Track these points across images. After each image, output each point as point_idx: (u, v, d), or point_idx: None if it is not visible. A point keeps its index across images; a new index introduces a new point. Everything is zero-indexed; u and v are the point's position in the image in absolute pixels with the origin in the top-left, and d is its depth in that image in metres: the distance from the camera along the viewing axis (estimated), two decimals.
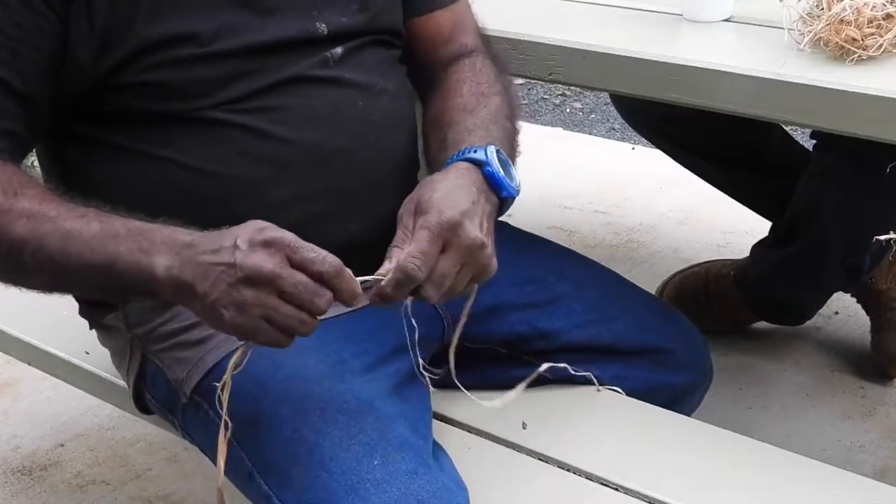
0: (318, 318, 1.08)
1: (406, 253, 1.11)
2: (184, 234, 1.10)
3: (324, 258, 1.06)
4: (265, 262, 1.05)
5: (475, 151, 1.22)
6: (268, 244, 1.06)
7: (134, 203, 1.26)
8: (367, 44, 1.34)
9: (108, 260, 1.11)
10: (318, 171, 1.27)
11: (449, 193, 1.17)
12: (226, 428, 1.13)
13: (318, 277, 1.06)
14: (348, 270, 1.08)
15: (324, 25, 1.29)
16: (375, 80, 1.34)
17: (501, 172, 1.21)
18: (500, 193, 1.22)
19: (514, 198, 1.24)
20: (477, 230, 1.15)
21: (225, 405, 1.12)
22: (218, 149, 1.25)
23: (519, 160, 1.39)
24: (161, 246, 1.09)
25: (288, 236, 1.07)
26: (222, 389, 1.13)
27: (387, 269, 1.11)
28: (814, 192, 1.96)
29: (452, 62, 1.41)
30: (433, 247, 1.12)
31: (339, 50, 1.30)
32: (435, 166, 1.28)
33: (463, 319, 1.22)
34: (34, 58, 1.19)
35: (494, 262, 1.17)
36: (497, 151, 1.23)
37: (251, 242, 1.06)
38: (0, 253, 1.14)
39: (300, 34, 1.28)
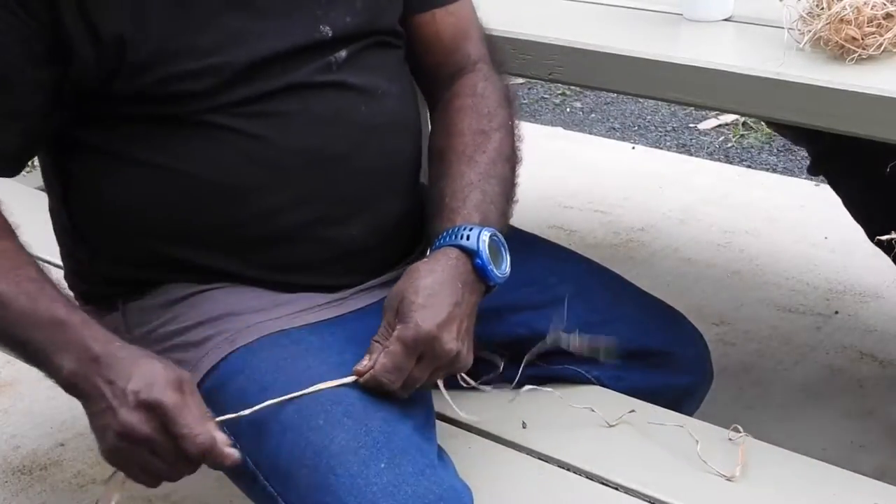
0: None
1: (381, 365, 1.17)
2: (96, 343, 1.14)
3: (193, 438, 1.11)
4: (141, 425, 1.10)
5: (467, 238, 1.22)
6: (149, 407, 1.11)
7: (130, 209, 1.26)
8: (371, 45, 1.33)
9: (25, 339, 1.16)
10: (316, 175, 1.26)
11: (431, 296, 1.18)
12: None
13: (186, 454, 1.12)
14: (220, 441, 1.12)
15: (328, 28, 1.27)
16: (378, 83, 1.32)
17: (491, 265, 1.22)
18: (486, 282, 1.24)
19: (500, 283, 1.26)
20: (453, 341, 1.18)
21: None
22: (216, 153, 1.24)
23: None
24: (71, 348, 1.14)
25: (168, 402, 1.11)
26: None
27: (364, 368, 1.18)
28: None
29: (455, 78, 1.39)
30: (408, 361, 1.17)
31: (343, 53, 1.29)
32: (429, 216, 1.29)
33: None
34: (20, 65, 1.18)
35: (470, 360, 1.22)
36: (491, 237, 1.24)
37: (136, 397, 1.10)
38: None
39: (304, 40, 1.26)
